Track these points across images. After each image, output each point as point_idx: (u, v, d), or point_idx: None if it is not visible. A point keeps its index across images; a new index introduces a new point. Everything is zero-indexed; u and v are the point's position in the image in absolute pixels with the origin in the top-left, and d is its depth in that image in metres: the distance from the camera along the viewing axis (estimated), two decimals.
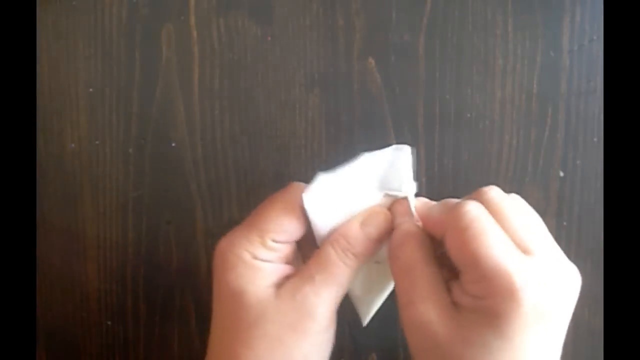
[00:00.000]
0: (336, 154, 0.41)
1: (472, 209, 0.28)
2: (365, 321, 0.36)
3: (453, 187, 0.40)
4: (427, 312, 0.29)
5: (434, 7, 0.39)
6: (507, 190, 0.40)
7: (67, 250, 0.43)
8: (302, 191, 0.32)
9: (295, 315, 0.30)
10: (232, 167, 0.41)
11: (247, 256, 0.31)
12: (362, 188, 0.32)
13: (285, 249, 0.32)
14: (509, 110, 0.40)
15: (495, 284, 0.26)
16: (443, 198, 0.40)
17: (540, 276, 0.27)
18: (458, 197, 0.40)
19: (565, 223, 0.40)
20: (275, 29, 0.40)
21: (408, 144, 0.40)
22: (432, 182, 0.40)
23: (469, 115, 0.40)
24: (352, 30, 0.40)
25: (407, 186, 0.32)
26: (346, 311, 0.41)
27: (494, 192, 0.30)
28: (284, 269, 0.32)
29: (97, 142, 0.42)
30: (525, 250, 0.28)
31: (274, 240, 0.31)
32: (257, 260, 0.31)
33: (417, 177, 0.40)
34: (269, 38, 0.40)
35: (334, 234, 0.32)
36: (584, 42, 0.39)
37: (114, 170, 0.42)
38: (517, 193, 0.39)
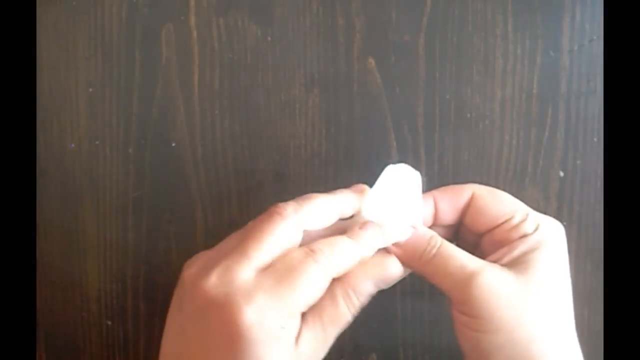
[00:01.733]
0: (336, 154, 0.41)
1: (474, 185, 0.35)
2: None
3: None
4: (489, 276, 0.31)
5: (434, 7, 0.39)
6: (508, 190, 0.40)
7: (67, 250, 0.43)
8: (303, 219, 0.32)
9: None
10: (232, 167, 0.41)
11: (275, 328, 0.29)
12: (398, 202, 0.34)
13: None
14: (509, 110, 0.40)
15: (538, 217, 0.33)
16: None
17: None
18: None
19: (565, 223, 0.40)
20: (275, 29, 0.40)
21: (408, 144, 0.40)
22: (432, 182, 0.40)
23: (469, 115, 0.40)
24: (352, 30, 0.40)
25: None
26: None
27: None
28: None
29: (97, 142, 0.42)
30: None
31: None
32: (286, 334, 0.29)
33: None
34: (269, 38, 0.40)
35: (345, 286, 0.31)
36: (584, 42, 0.39)
37: (114, 170, 0.42)
38: (517, 193, 0.39)
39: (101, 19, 0.41)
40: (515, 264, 0.32)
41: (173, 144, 0.41)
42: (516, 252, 0.32)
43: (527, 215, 0.33)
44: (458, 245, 0.33)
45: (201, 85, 0.41)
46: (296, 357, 0.29)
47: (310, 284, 0.30)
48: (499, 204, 0.34)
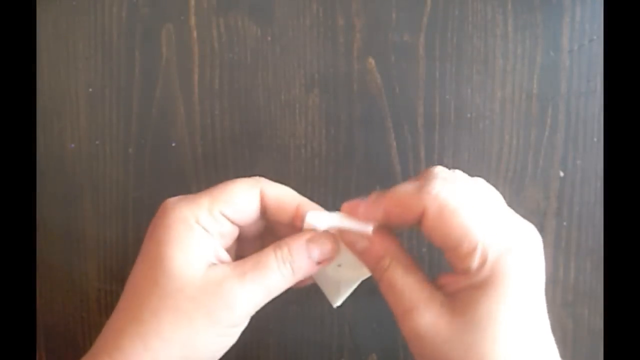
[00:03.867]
0: (336, 154, 0.41)
1: (440, 189, 0.30)
2: (336, 303, 0.35)
3: None
4: (421, 318, 0.29)
5: (434, 7, 0.39)
6: (508, 190, 0.40)
7: (67, 250, 0.43)
8: (264, 181, 0.33)
9: (214, 303, 0.30)
10: (232, 167, 0.41)
11: (190, 219, 0.31)
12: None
13: (229, 230, 0.32)
14: (509, 110, 0.40)
15: (489, 250, 0.29)
16: None
17: (516, 232, 0.30)
18: None
19: (565, 223, 0.40)
20: (275, 29, 0.40)
21: (408, 144, 0.40)
22: None
23: (469, 115, 0.40)
24: (352, 30, 0.40)
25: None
26: (346, 311, 0.41)
27: (439, 169, 0.32)
28: (219, 252, 0.31)
29: (97, 142, 0.42)
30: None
31: (222, 213, 0.31)
32: (198, 227, 0.31)
33: (416, 177, 0.40)
34: (269, 38, 0.40)
35: (280, 241, 0.32)
36: (584, 42, 0.39)
37: (114, 170, 0.42)
38: (517, 193, 0.40)
39: (101, 19, 0.41)
40: (456, 299, 0.29)
41: (173, 144, 0.41)
42: (458, 286, 0.29)
43: (474, 248, 0.29)
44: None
45: (201, 85, 0.41)
46: (207, 284, 0.30)
47: (236, 185, 0.32)
48: (446, 231, 0.29)
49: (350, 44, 0.40)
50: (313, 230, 0.32)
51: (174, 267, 0.30)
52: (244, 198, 0.32)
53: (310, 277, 0.34)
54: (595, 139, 0.40)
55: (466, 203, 0.29)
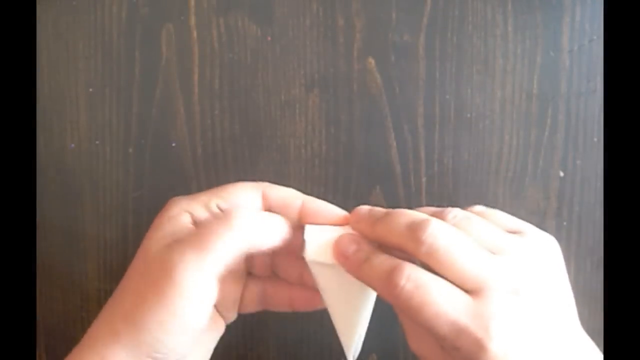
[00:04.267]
0: (336, 154, 0.41)
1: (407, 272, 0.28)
2: (350, 357, 0.35)
3: (453, 187, 0.40)
4: (420, 349, 0.30)
5: (434, 7, 0.39)
6: (508, 190, 0.40)
7: (67, 250, 0.43)
8: (267, 184, 0.33)
9: (157, 273, 0.30)
10: (232, 167, 0.41)
11: (183, 216, 0.31)
12: None
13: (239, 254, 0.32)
14: (509, 110, 0.40)
15: (460, 338, 0.27)
16: (443, 198, 0.41)
17: (512, 275, 0.28)
18: (458, 198, 0.40)
19: (565, 223, 0.40)
20: (275, 29, 0.40)
21: (408, 144, 0.40)
22: (432, 182, 0.40)
23: (469, 115, 0.40)
24: (352, 30, 0.40)
25: None
26: None
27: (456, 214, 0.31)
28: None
29: (97, 142, 0.42)
30: (497, 251, 0.29)
31: (218, 206, 0.32)
32: (188, 223, 0.31)
33: (417, 177, 0.41)
34: (269, 38, 0.40)
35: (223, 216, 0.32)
36: (584, 42, 0.39)
37: (114, 170, 0.42)
38: (517, 193, 0.40)
39: (101, 19, 0.41)
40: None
41: (173, 144, 0.41)
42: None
43: (444, 337, 0.28)
44: None
45: (201, 85, 0.41)
46: (155, 256, 0.31)
47: (236, 184, 0.33)
48: (417, 316, 0.28)
49: (350, 44, 0.40)
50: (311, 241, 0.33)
51: (150, 251, 0.31)
52: (243, 195, 0.32)
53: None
54: (595, 139, 0.40)
55: (439, 285, 0.28)
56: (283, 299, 0.36)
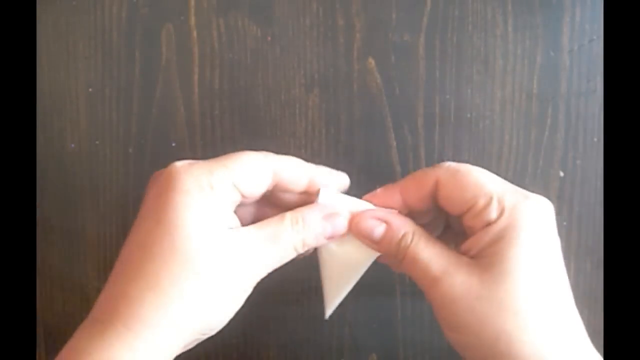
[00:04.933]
0: (336, 154, 0.41)
1: (451, 163, 0.33)
2: (328, 313, 0.36)
3: None
4: (453, 280, 0.30)
5: (434, 7, 0.39)
6: None
7: (67, 250, 0.43)
8: (273, 156, 0.33)
9: (232, 266, 0.30)
10: None
11: (206, 186, 0.30)
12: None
13: (237, 197, 0.31)
14: (509, 110, 0.40)
15: (505, 199, 0.30)
16: None
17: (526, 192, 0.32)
18: None
19: (565, 223, 0.40)
20: (275, 29, 0.40)
21: (408, 144, 0.40)
22: None
23: (469, 115, 0.40)
24: (352, 30, 0.40)
25: None
26: (346, 311, 0.41)
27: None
28: (233, 219, 0.31)
29: (97, 142, 0.42)
30: None
31: (234, 184, 0.31)
32: (214, 193, 0.30)
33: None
34: (269, 38, 0.40)
35: (297, 212, 0.32)
36: (584, 42, 0.39)
37: (114, 170, 0.42)
38: None
39: (101, 19, 0.41)
40: (481, 257, 0.30)
41: (173, 144, 0.41)
42: (482, 244, 0.30)
43: (491, 199, 0.30)
44: (447, 229, 0.34)
45: (201, 85, 0.41)
46: (220, 231, 0.30)
47: (250, 157, 0.32)
48: (461, 190, 0.31)
49: (350, 44, 0.40)
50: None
51: (193, 232, 0.29)
52: (257, 171, 0.32)
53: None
54: (595, 139, 0.40)
55: (476, 168, 0.32)
56: None
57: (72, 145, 0.42)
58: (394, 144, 0.40)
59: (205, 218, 0.30)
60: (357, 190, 0.41)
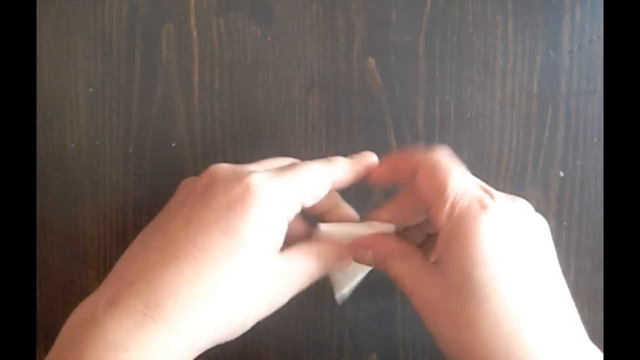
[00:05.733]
0: (336, 154, 0.41)
1: (438, 153, 0.32)
2: (339, 296, 0.37)
3: None
4: (422, 293, 0.30)
5: (434, 7, 0.39)
6: (508, 190, 0.40)
7: (67, 250, 0.43)
8: (328, 163, 0.33)
9: (282, 279, 0.31)
10: None
11: (281, 214, 0.30)
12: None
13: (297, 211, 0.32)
14: (509, 110, 0.40)
15: (459, 205, 0.29)
16: None
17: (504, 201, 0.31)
18: None
19: (565, 223, 0.40)
20: (275, 29, 0.40)
21: (408, 144, 0.40)
22: None
23: (469, 115, 0.40)
24: (352, 30, 0.40)
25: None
26: (346, 311, 0.42)
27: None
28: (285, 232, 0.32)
29: (97, 142, 0.42)
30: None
31: (303, 205, 0.31)
32: (286, 222, 0.31)
33: None
34: (269, 38, 0.40)
35: (319, 246, 0.33)
36: (584, 42, 0.39)
37: (114, 170, 0.42)
38: (517, 193, 0.39)
39: (101, 19, 0.41)
40: (439, 265, 0.30)
41: (173, 144, 0.41)
42: (437, 250, 0.30)
43: (445, 203, 0.29)
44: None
45: (201, 85, 0.41)
46: (275, 252, 0.31)
47: (316, 173, 0.32)
48: (430, 183, 0.31)
49: (350, 44, 0.40)
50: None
51: (258, 253, 0.30)
52: (321, 187, 0.32)
53: None
54: (595, 139, 0.40)
55: (453, 166, 0.31)
56: None
57: (72, 145, 0.42)
58: (394, 144, 0.40)
59: (269, 242, 0.30)
60: (357, 190, 0.41)
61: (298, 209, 0.32)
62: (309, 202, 0.32)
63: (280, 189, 0.30)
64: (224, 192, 0.30)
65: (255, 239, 0.30)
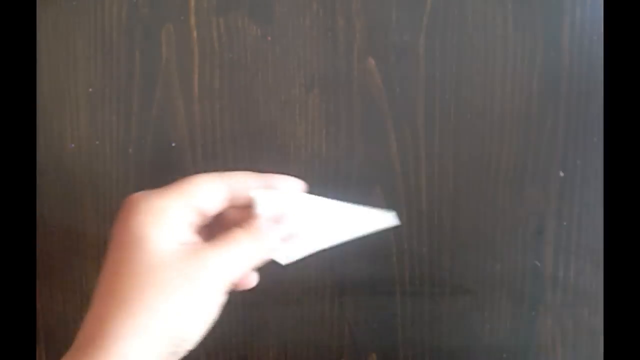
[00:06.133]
0: (336, 154, 0.41)
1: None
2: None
3: (453, 187, 0.40)
4: None
5: (434, 7, 0.39)
6: (508, 190, 0.40)
7: (67, 250, 0.43)
8: (227, 174, 0.34)
9: (193, 267, 0.31)
10: (232, 167, 0.41)
11: (157, 205, 0.32)
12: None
13: (194, 215, 0.33)
14: (509, 110, 0.40)
15: None
16: (443, 198, 0.41)
17: None
18: (458, 198, 0.41)
19: (565, 223, 0.40)
20: (275, 29, 0.40)
21: (408, 144, 0.40)
22: (432, 182, 0.40)
23: (469, 115, 0.40)
24: (352, 30, 0.40)
25: None
26: (346, 311, 0.42)
27: None
28: (188, 232, 0.33)
29: (97, 142, 0.42)
30: None
31: (189, 204, 0.33)
32: (166, 211, 0.32)
33: (417, 177, 0.41)
34: (269, 38, 0.40)
35: (249, 219, 0.34)
36: (584, 42, 0.39)
37: (114, 170, 0.42)
38: (517, 193, 0.40)
39: (101, 19, 0.41)
40: None
41: (173, 144, 0.41)
42: None
43: None
44: None
45: (201, 85, 0.41)
46: (182, 254, 0.31)
47: (202, 176, 0.33)
48: None
49: (350, 44, 0.40)
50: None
51: (151, 245, 0.31)
52: (210, 189, 0.34)
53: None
54: (595, 139, 0.40)
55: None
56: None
57: (72, 145, 0.42)
58: (394, 144, 0.40)
59: (160, 232, 0.31)
60: (357, 190, 0.41)
61: (188, 212, 0.33)
62: (200, 206, 0.33)
63: (156, 195, 0.33)
64: (117, 217, 0.33)
65: (144, 239, 0.31)
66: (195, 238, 0.33)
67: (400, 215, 0.41)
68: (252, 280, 0.36)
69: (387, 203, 0.41)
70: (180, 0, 0.40)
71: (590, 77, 0.39)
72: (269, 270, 0.38)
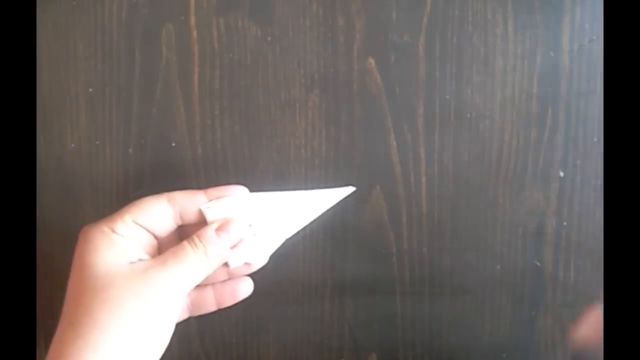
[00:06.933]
0: (336, 154, 0.41)
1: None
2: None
3: (453, 187, 0.40)
4: None
5: (434, 7, 0.39)
6: (508, 190, 0.40)
7: (67, 250, 0.43)
8: (175, 193, 0.36)
9: (141, 285, 0.32)
10: (232, 167, 0.41)
11: (105, 229, 0.34)
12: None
13: (147, 239, 0.35)
14: (509, 110, 0.40)
15: None
16: (443, 198, 0.41)
17: None
18: (458, 198, 0.41)
19: (565, 223, 0.40)
20: (275, 29, 0.40)
21: (408, 144, 0.40)
22: (432, 182, 0.40)
23: (469, 115, 0.40)
24: (352, 30, 0.40)
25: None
26: (346, 311, 0.42)
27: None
28: (139, 252, 0.34)
29: (97, 142, 0.42)
30: None
31: (135, 222, 0.34)
32: (115, 234, 0.33)
33: (417, 177, 0.41)
34: (269, 38, 0.40)
35: (195, 236, 0.34)
36: (584, 42, 0.39)
37: (114, 170, 0.42)
38: (517, 193, 0.40)
39: (101, 19, 0.41)
40: None
41: (173, 144, 0.41)
42: None
43: None
44: None
45: (201, 85, 0.41)
46: (131, 274, 0.32)
47: (145, 199, 0.35)
48: None
49: (350, 44, 0.40)
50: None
51: (99, 268, 0.32)
52: (154, 207, 0.35)
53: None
54: (595, 139, 0.40)
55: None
56: (209, 301, 0.38)
57: (72, 145, 0.42)
58: (394, 144, 0.40)
59: (108, 255, 0.33)
60: (357, 190, 0.41)
61: (140, 232, 0.34)
62: (150, 225, 0.35)
63: (105, 220, 0.35)
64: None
65: (92, 262, 0.33)
66: (142, 254, 0.34)
67: (400, 215, 0.41)
68: (245, 290, 0.37)
69: (387, 203, 0.41)
70: (180, 0, 0.40)
71: (590, 77, 0.39)
72: (269, 270, 0.38)
